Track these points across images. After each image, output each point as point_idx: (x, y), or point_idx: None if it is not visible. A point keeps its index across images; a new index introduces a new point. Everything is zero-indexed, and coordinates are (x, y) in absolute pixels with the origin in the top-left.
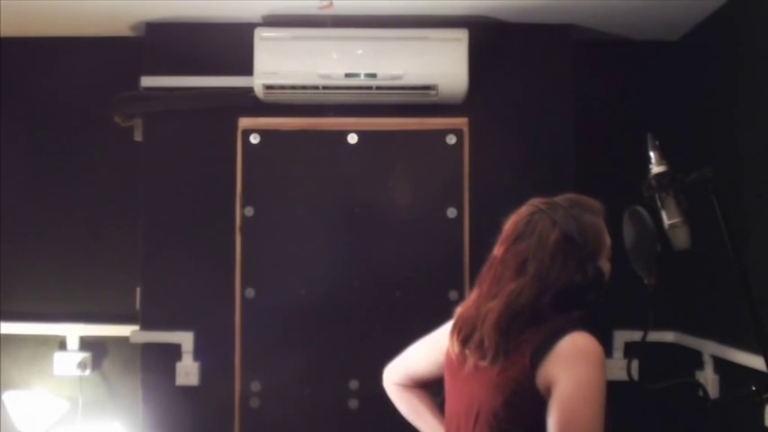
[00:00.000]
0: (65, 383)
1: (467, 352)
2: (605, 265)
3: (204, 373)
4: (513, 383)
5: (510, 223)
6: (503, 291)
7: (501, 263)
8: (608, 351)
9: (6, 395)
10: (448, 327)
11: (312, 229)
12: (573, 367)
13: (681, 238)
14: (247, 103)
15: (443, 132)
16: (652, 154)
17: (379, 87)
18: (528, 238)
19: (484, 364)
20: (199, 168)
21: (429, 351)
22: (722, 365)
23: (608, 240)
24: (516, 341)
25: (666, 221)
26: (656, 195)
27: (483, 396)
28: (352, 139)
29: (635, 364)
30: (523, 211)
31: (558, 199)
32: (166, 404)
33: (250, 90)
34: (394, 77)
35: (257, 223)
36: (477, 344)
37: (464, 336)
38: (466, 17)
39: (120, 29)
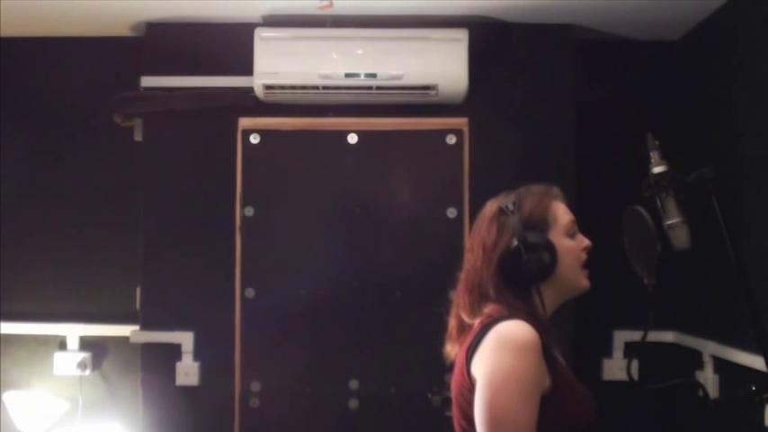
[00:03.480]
0: (65, 383)
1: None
2: (562, 242)
3: (204, 373)
4: (456, 379)
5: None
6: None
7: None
8: (608, 351)
9: (6, 395)
10: None
11: (312, 229)
12: (490, 355)
13: (681, 238)
14: (247, 103)
15: (443, 132)
16: (652, 154)
17: (379, 87)
18: (477, 222)
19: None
20: (199, 168)
21: None
22: (722, 365)
23: (561, 215)
24: (468, 331)
25: (666, 221)
26: (656, 195)
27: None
28: (352, 139)
29: (635, 364)
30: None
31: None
32: (166, 404)
33: (250, 90)
34: (394, 77)
35: (257, 223)
36: (449, 336)
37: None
38: (466, 17)
39: (120, 29)
